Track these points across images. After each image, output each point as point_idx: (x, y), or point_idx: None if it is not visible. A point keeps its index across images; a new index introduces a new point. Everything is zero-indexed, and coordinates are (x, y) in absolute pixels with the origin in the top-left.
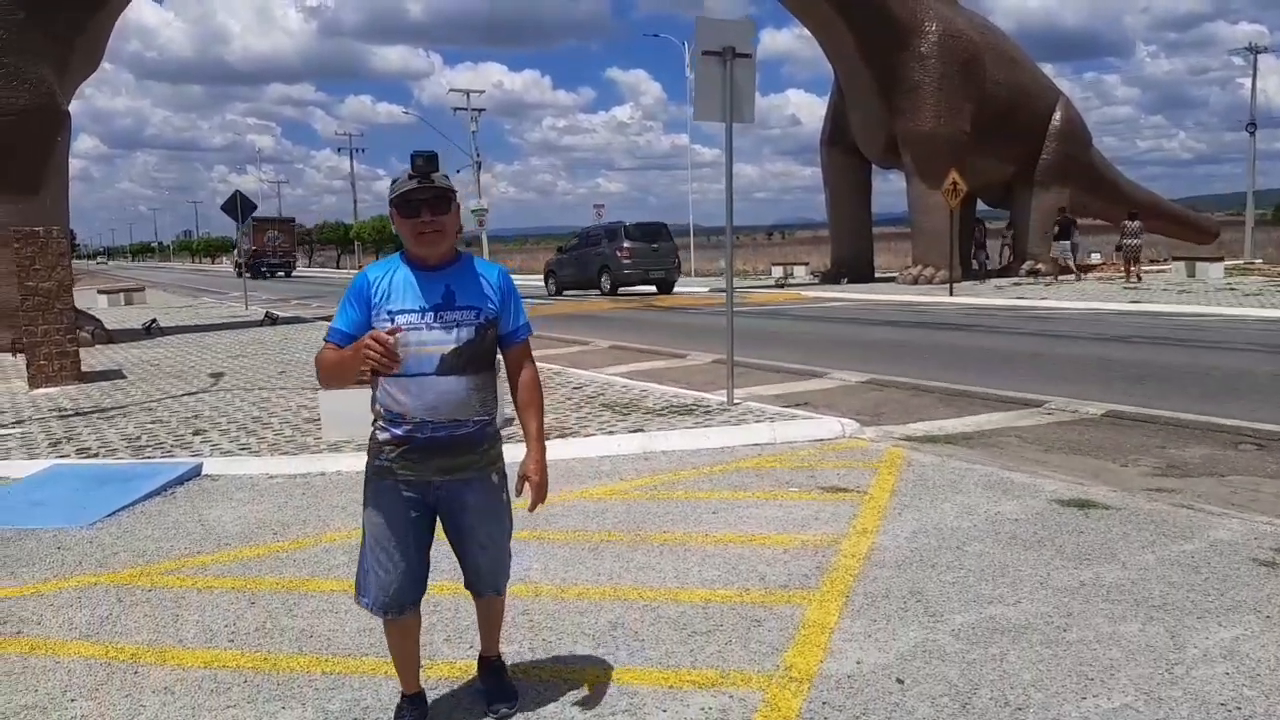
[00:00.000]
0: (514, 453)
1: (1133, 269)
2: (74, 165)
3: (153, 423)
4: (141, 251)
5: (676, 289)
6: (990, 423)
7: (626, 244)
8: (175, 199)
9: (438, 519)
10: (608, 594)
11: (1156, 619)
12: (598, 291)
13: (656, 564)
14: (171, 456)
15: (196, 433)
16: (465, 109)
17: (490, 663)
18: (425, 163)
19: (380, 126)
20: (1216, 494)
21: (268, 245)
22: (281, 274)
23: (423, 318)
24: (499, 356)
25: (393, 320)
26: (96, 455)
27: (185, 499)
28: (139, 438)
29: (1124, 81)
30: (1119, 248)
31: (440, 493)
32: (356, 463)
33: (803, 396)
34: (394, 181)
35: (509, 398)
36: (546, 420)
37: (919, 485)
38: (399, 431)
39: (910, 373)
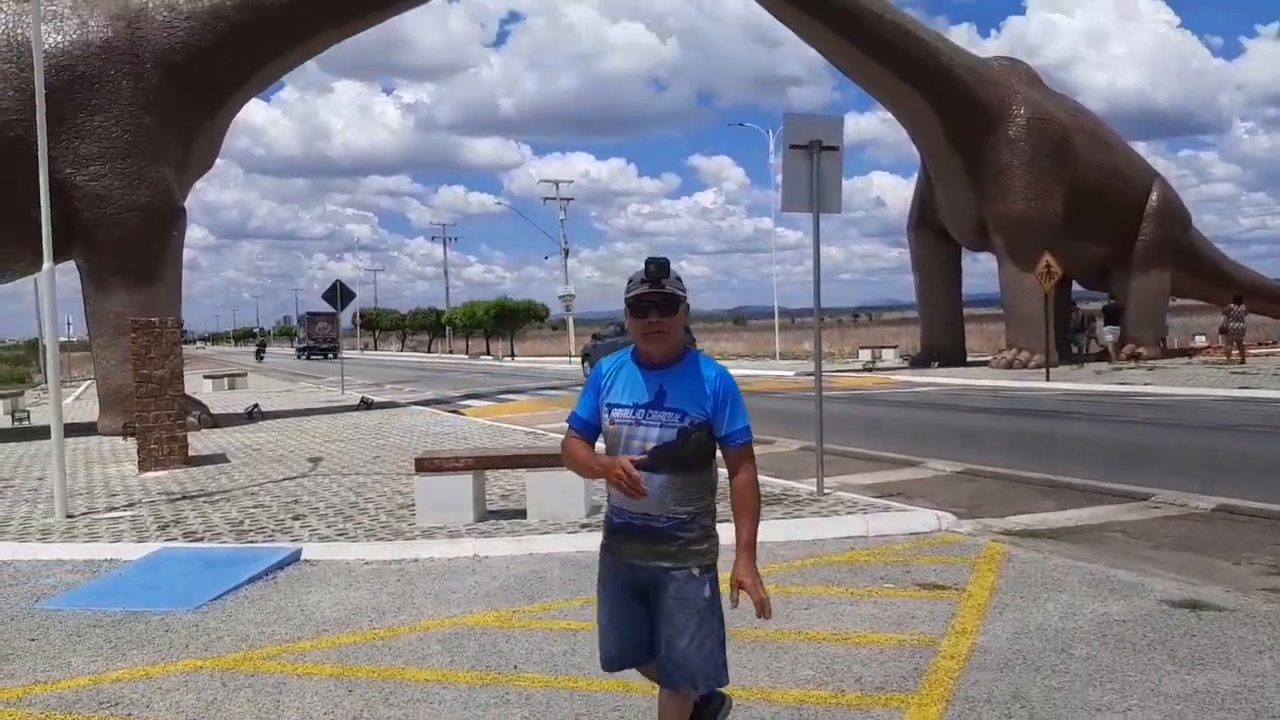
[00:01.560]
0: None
1: (1233, 352)
2: (184, 255)
3: (255, 507)
4: (243, 336)
5: (762, 372)
6: (1094, 517)
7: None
8: (276, 285)
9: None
10: None
11: None
12: None
13: (748, 661)
14: (273, 541)
15: (296, 517)
16: (554, 198)
17: None
18: (658, 270)
19: (472, 215)
20: None
21: (318, 333)
22: (332, 355)
23: (633, 414)
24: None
25: (609, 413)
26: (202, 539)
27: (285, 584)
28: (242, 522)
29: (1222, 158)
30: (1223, 330)
31: (642, 576)
32: (449, 549)
33: (896, 487)
34: (630, 281)
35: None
36: None
37: (1020, 583)
38: (611, 515)
39: (1007, 462)
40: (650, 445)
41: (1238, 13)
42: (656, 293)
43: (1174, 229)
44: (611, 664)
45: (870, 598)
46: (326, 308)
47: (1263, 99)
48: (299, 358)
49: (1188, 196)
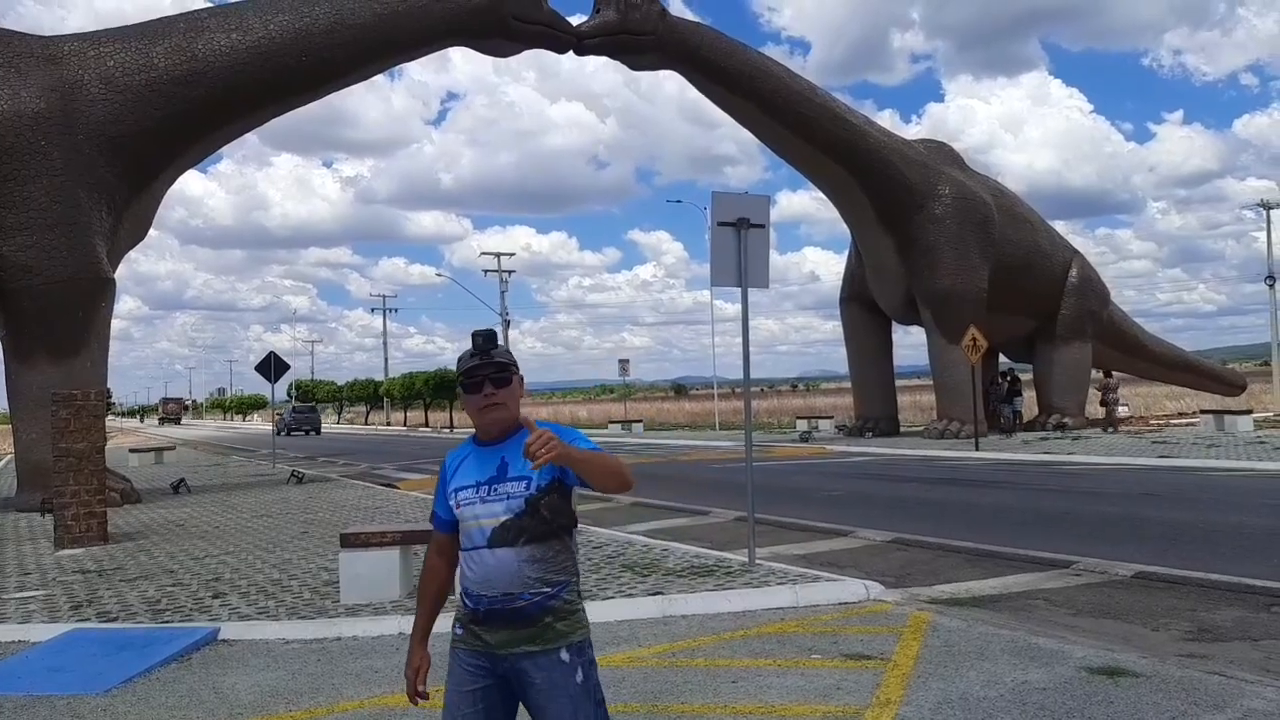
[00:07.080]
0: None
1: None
2: (116, 326)
3: (174, 585)
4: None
5: (702, 442)
6: (1018, 584)
7: (294, 413)
8: (211, 357)
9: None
10: None
11: None
12: (301, 431)
13: None
14: (190, 620)
15: (216, 595)
16: (495, 271)
17: None
18: (485, 340)
19: (413, 287)
20: (1250, 659)
21: (169, 410)
22: (177, 422)
23: (476, 492)
24: (574, 527)
25: (455, 497)
26: (116, 619)
27: (200, 666)
28: (159, 600)
29: (1138, 236)
30: (1103, 403)
31: (506, 665)
32: (373, 627)
33: (827, 556)
34: (459, 360)
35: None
36: None
37: (944, 652)
38: (468, 602)
39: (937, 531)
40: (499, 520)
41: (1146, 100)
42: (488, 364)
43: (1094, 304)
44: None
45: (797, 669)
46: (304, 369)
47: (1173, 180)
48: (160, 424)
49: (1107, 273)
